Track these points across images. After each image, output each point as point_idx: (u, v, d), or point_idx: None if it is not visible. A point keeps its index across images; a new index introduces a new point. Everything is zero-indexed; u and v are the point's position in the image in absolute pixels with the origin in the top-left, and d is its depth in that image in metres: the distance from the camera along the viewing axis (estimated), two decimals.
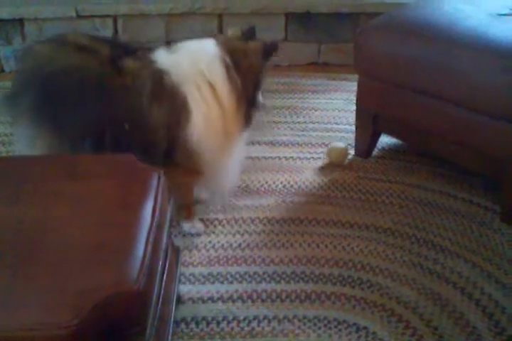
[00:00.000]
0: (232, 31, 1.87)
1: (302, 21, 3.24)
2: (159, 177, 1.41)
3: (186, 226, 2.00)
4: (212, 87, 1.78)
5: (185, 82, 1.76)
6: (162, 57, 1.80)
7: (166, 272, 1.41)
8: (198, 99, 1.77)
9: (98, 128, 1.78)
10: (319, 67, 3.32)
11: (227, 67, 1.77)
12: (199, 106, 1.77)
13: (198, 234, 1.99)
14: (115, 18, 3.16)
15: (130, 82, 1.74)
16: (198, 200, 2.10)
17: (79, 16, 3.11)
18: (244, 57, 1.79)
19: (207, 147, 1.81)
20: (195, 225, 2.01)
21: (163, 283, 1.36)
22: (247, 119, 1.87)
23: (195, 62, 1.78)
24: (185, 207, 1.99)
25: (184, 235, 1.99)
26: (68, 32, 2.04)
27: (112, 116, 1.77)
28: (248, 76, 1.80)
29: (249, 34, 1.85)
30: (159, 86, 1.74)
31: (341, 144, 2.43)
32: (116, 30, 3.17)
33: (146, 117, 1.75)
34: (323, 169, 2.37)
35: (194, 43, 1.85)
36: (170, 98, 1.75)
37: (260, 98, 1.89)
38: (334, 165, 2.39)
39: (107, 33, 3.15)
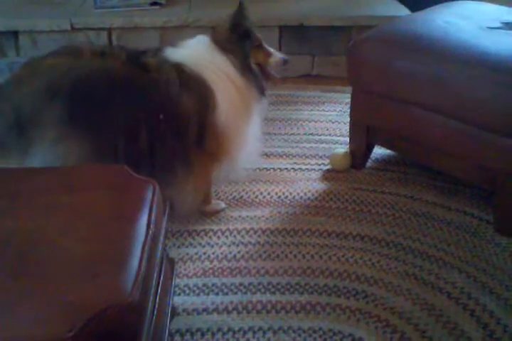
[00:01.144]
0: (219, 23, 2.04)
1: (296, 34, 3.27)
2: (154, 189, 1.41)
3: (209, 207, 2.14)
4: (221, 70, 1.94)
5: (202, 69, 1.91)
6: (172, 53, 1.94)
7: (160, 284, 1.40)
8: (218, 83, 1.92)
9: (134, 125, 1.84)
10: (313, 79, 3.35)
11: (223, 51, 1.95)
12: (220, 90, 1.92)
13: (223, 210, 2.16)
14: (109, 31, 3.18)
15: (157, 75, 1.86)
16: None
17: (73, 29, 3.13)
18: (226, 39, 1.96)
19: (232, 127, 1.95)
20: (218, 203, 2.18)
21: (158, 295, 1.36)
22: (258, 88, 2.01)
23: (200, 53, 1.96)
24: (205, 193, 2.11)
25: (179, 247, 1.99)
26: (71, 43, 2.04)
27: (147, 109, 1.85)
28: (235, 51, 1.96)
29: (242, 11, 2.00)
30: (184, 75, 1.88)
31: (343, 150, 2.45)
32: (110, 43, 3.19)
33: (178, 105, 1.86)
34: (319, 179, 2.38)
35: (191, 40, 2.02)
36: (196, 85, 1.89)
37: (279, 54, 2.07)
38: (337, 171, 2.42)
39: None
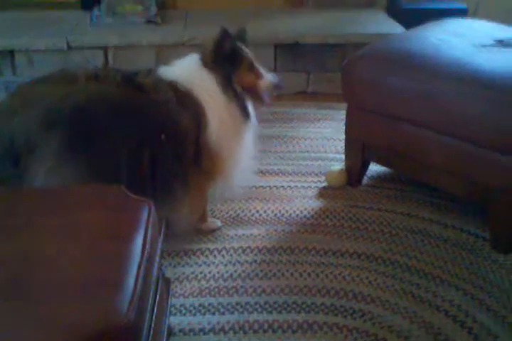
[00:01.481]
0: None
1: (291, 52, 3.29)
2: (150, 209, 1.41)
3: (205, 226, 2.15)
4: (209, 88, 1.94)
5: (193, 87, 1.92)
6: (166, 72, 1.95)
7: (156, 304, 1.39)
8: (208, 101, 1.93)
9: (136, 147, 1.83)
10: (308, 96, 3.36)
11: (209, 70, 1.95)
12: (211, 108, 1.93)
13: (219, 228, 2.15)
14: (106, 49, 3.19)
15: (155, 95, 1.86)
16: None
17: (70, 47, 3.14)
18: (211, 60, 1.96)
19: (224, 145, 1.95)
20: (213, 221, 2.18)
21: (154, 316, 1.35)
22: (241, 110, 1.99)
23: (190, 71, 1.97)
24: (201, 212, 2.11)
25: (175, 266, 1.98)
26: (62, 68, 2.02)
27: (147, 130, 1.84)
28: (218, 72, 1.95)
29: (241, 34, 2.04)
30: (179, 93, 1.89)
31: (338, 167, 2.45)
32: (107, 61, 3.20)
33: (178, 124, 1.87)
34: (315, 196, 2.38)
35: (183, 59, 2.03)
36: (190, 103, 1.90)
37: (271, 77, 2.02)
38: (333, 188, 2.42)
39: (98, 63, 3.18)
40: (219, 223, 2.18)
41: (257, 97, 2.03)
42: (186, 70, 1.97)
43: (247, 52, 1.99)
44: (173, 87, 1.90)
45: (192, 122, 1.90)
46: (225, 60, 1.93)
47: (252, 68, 2.00)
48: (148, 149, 1.83)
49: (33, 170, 1.73)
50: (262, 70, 2.02)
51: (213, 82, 1.94)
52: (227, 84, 1.94)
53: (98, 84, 1.83)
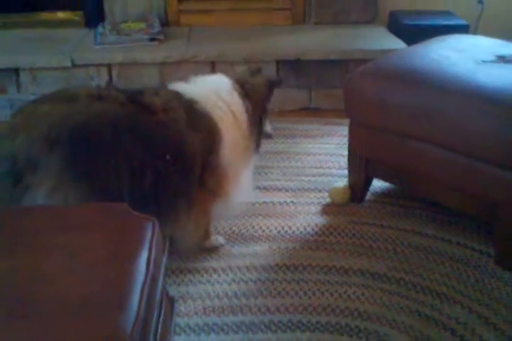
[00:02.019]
0: (240, 70, 2.10)
1: (293, 68, 3.31)
2: (154, 227, 1.40)
3: (208, 243, 2.13)
4: (233, 113, 1.94)
5: (214, 109, 1.91)
6: (185, 89, 1.94)
7: (160, 324, 1.38)
8: (227, 125, 1.93)
9: (139, 167, 1.80)
10: (311, 112, 3.37)
11: (241, 97, 1.97)
12: (228, 132, 1.93)
13: (222, 245, 2.15)
14: (109, 67, 3.21)
15: (163, 115, 1.84)
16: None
17: (74, 65, 3.17)
18: (253, 89, 1.99)
19: (233, 168, 1.97)
20: (216, 239, 2.16)
21: (158, 336, 1.34)
22: (257, 143, 2.05)
23: (216, 92, 1.95)
24: (204, 229, 2.10)
25: (179, 284, 1.97)
26: (64, 87, 2.01)
27: (152, 151, 1.82)
28: (257, 105, 2.00)
29: (256, 72, 2.07)
30: (193, 114, 1.87)
31: (342, 184, 2.45)
32: (111, 79, 3.22)
33: (185, 145, 1.85)
34: (318, 213, 2.38)
35: (208, 77, 2.04)
36: (204, 125, 1.89)
37: (268, 128, 2.07)
38: (336, 205, 2.42)
39: (102, 81, 3.20)
40: (222, 240, 2.18)
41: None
42: (211, 90, 1.96)
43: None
44: (188, 105, 1.88)
45: (203, 143, 1.88)
46: (270, 90, 1.99)
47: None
48: (152, 169, 1.82)
49: (35, 190, 1.72)
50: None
51: (242, 108, 1.95)
52: (258, 119, 1.99)
53: (100, 104, 1.81)
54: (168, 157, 1.82)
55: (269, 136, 2.16)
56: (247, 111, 1.97)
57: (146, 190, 1.82)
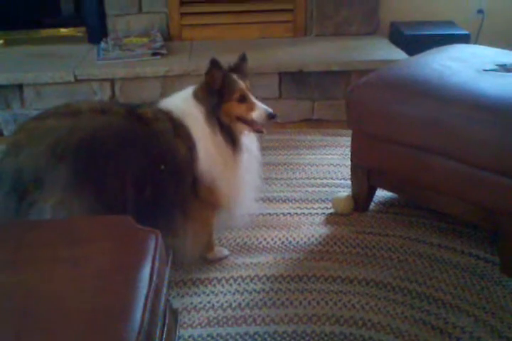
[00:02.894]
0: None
1: (295, 80, 3.32)
2: (157, 239, 1.41)
3: (212, 254, 2.14)
4: (198, 119, 1.93)
5: (185, 118, 1.93)
6: (164, 103, 2.00)
7: (164, 336, 1.38)
8: (197, 133, 1.93)
9: (140, 177, 1.85)
10: (313, 123, 3.38)
11: (197, 101, 1.95)
12: (199, 139, 1.93)
13: (226, 257, 2.16)
14: (112, 82, 3.24)
15: (155, 125, 1.89)
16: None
17: (77, 80, 3.19)
18: (200, 90, 1.96)
19: (215, 175, 1.94)
20: (220, 250, 2.18)
21: None
22: (229, 142, 1.96)
23: (183, 102, 1.98)
24: (207, 241, 2.11)
25: (183, 296, 1.97)
26: (67, 102, 2.03)
27: (150, 161, 1.87)
28: (205, 103, 1.94)
29: (240, 63, 2.01)
30: (175, 123, 1.92)
31: (345, 194, 2.45)
32: (113, 93, 3.24)
33: (175, 153, 1.90)
34: (322, 223, 2.38)
35: (181, 91, 2.05)
36: (184, 133, 1.92)
37: (264, 109, 1.95)
38: (340, 215, 2.42)
39: (105, 95, 3.23)
40: (226, 252, 2.18)
41: (250, 128, 1.99)
42: (180, 101, 1.99)
43: (240, 83, 1.94)
44: (169, 117, 1.92)
45: (188, 152, 1.91)
46: (213, 91, 1.91)
47: (243, 100, 1.94)
48: (151, 179, 1.86)
49: (41, 204, 1.74)
50: (255, 101, 1.96)
51: (200, 114, 1.94)
52: (212, 116, 1.93)
53: (103, 117, 1.85)
54: (162, 167, 1.86)
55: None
56: (204, 114, 1.93)
57: (146, 200, 1.85)
